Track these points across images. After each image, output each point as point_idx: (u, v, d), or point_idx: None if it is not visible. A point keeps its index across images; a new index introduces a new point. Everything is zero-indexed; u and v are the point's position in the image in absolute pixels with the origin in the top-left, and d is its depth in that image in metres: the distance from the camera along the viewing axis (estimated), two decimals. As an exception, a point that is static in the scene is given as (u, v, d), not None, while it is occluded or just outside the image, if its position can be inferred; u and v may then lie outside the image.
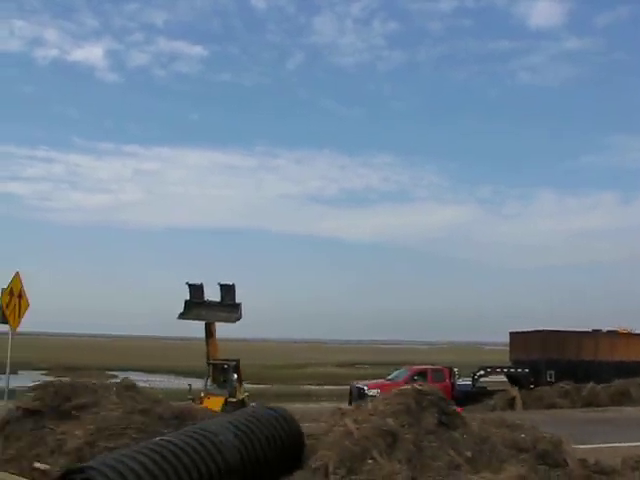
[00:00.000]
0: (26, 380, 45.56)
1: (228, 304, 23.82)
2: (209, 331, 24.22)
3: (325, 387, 43.51)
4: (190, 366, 58.63)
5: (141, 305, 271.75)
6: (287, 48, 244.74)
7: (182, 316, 23.99)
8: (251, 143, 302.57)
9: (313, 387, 43.37)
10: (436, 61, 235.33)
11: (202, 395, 23.31)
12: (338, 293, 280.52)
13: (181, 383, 46.87)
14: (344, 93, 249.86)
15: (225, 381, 23.40)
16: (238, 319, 24.28)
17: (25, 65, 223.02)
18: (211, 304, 24.02)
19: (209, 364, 23.94)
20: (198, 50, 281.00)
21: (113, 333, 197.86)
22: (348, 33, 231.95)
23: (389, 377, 28.19)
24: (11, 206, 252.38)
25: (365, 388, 25.95)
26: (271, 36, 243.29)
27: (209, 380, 23.73)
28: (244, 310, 24.30)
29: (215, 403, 22.48)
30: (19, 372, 52.57)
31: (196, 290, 23.88)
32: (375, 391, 24.57)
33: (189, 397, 23.18)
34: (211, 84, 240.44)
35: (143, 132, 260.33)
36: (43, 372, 53.83)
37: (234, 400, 22.77)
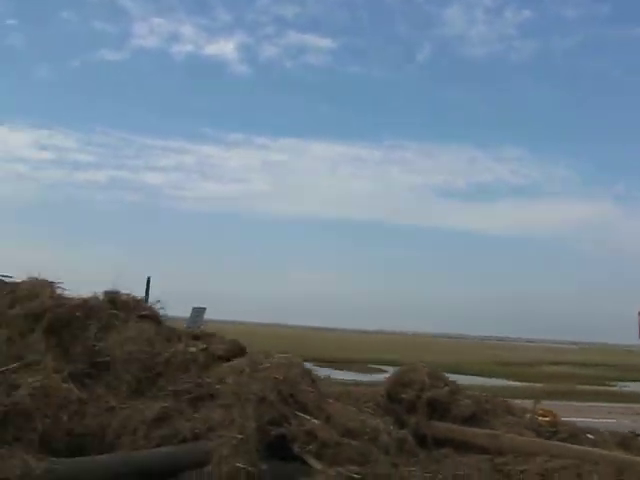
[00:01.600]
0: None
1: None
2: None
3: (588, 387, 41.72)
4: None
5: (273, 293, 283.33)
6: (415, 40, 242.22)
7: None
8: (378, 136, 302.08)
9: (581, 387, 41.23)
10: (569, 50, 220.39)
11: None
12: (466, 287, 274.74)
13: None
14: (473, 85, 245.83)
15: None
16: None
17: (162, 60, 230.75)
18: None
19: None
20: (327, 42, 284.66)
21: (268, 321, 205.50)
22: (478, 23, 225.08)
23: None
24: (148, 195, 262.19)
25: None
26: (400, 28, 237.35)
27: None
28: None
29: None
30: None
31: None
32: None
33: None
34: (339, 76, 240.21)
35: (271, 123, 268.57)
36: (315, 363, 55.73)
37: None
